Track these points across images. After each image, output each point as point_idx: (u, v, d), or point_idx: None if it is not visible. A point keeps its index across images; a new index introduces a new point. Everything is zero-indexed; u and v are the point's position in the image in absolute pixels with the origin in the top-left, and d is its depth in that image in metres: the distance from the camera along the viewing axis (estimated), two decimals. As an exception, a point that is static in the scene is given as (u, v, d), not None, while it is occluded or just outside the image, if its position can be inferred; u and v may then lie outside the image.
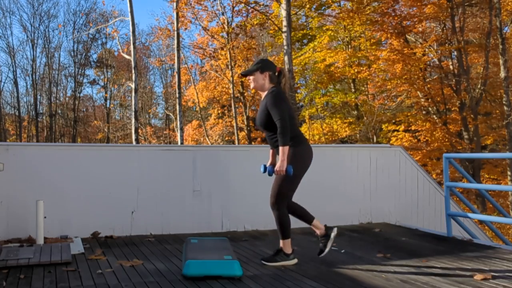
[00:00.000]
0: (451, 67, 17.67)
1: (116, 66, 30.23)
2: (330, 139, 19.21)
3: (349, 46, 19.65)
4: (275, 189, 3.58)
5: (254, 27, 19.77)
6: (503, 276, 3.35)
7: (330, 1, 18.33)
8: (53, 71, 29.20)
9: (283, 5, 13.21)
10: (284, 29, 13.16)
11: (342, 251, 4.22)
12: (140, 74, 28.46)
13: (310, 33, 20.43)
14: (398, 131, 17.18)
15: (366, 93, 18.94)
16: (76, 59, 30.08)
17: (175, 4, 16.49)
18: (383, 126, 18.06)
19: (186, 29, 18.10)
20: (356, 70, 17.36)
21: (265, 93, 3.68)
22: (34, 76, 28.76)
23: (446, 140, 16.26)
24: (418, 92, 17.50)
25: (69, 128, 29.80)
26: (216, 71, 20.90)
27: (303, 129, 19.68)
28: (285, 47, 13.14)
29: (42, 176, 4.65)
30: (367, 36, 18.39)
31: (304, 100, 20.78)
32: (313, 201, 5.58)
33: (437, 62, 17.82)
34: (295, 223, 5.51)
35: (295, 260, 3.70)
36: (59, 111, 29.80)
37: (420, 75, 16.95)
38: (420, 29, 17.65)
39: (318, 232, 3.78)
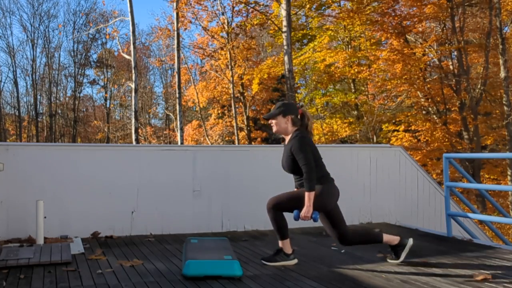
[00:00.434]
0: (451, 67, 17.66)
1: (116, 66, 30.25)
2: (330, 139, 19.21)
3: (349, 46, 19.64)
4: (280, 201, 3.61)
5: (254, 27, 19.77)
6: (503, 276, 3.35)
7: (330, 1, 18.32)
8: (53, 71, 29.23)
9: (283, 5, 13.22)
10: (284, 29, 13.16)
11: (342, 251, 4.22)
12: (140, 74, 28.46)
13: (310, 33, 20.43)
14: (398, 131, 17.17)
15: (366, 93, 18.94)
16: (76, 59, 30.12)
17: (175, 4, 16.49)
18: (383, 126, 18.06)
19: (186, 29, 18.11)
20: (356, 70, 17.36)
21: (289, 137, 3.66)
22: (34, 76, 28.80)
23: (446, 140, 16.26)
24: (418, 92, 17.50)
25: (69, 128, 29.81)
26: (216, 71, 20.90)
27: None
28: (285, 47, 13.14)
29: (42, 176, 4.65)
30: (367, 36, 18.39)
31: (304, 100, 20.78)
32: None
33: (437, 62, 17.82)
34: (296, 223, 5.52)
35: (295, 260, 3.70)
36: (59, 111, 29.82)
37: (420, 75, 16.95)
38: (420, 29, 17.64)
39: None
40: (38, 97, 29.24)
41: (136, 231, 4.92)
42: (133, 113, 15.26)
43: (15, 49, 28.71)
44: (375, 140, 17.80)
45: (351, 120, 19.27)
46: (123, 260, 3.73)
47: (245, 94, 21.56)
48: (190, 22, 18.10)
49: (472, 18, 17.62)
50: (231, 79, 19.19)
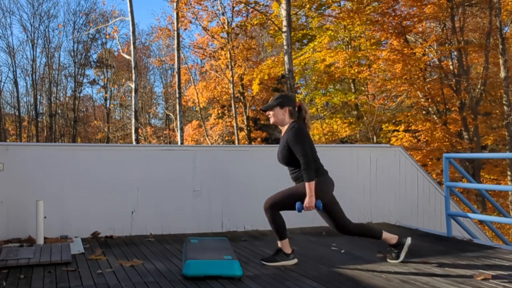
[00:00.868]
0: (451, 67, 17.66)
1: (116, 66, 30.25)
2: (330, 139, 19.21)
3: (349, 46, 19.65)
4: (277, 200, 3.62)
5: (254, 27, 19.77)
6: (503, 276, 3.35)
7: (330, 1, 18.32)
8: (53, 71, 29.23)
9: (283, 5, 13.22)
10: (284, 29, 13.16)
11: (342, 251, 4.22)
12: (140, 74, 28.46)
13: (310, 33, 20.43)
14: (398, 131, 17.17)
15: (366, 93, 18.94)
16: (76, 59, 30.12)
17: (175, 4, 16.49)
18: (383, 126, 18.06)
19: (186, 29, 18.10)
20: (356, 70, 17.36)
21: (285, 128, 3.67)
22: (34, 76, 28.80)
23: (446, 140, 16.26)
24: (418, 92, 17.50)
25: (69, 128, 29.81)
26: (216, 71, 20.91)
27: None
28: (285, 47, 13.14)
29: (42, 176, 4.65)
30: (367, 36, 18.39)
31: (304, 100, 20.78)
32: (313, 201, 5.60)
33: (437, 62, 17.82)
34: (295, 223, 5.51)
35: (295, 260, 3.70)
36: (59, 111, 29.82)
37: (420, 75, 16.95)
38: (420, 29, 17.65)
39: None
40: (38, 97, 29.25)
41: (136, 231, 4.92)
42: (133, 113, 15.27)
43: (15, 49, 28.75)
44: (375, 140, 17.80)
45: (351, 120, 19.28)
46: (123, 260, 3.73)
47: (245, 94, 21.57)
48: (190, 22, 18.12)
49: (472, 18, 17.62)
50: (231, 79, 19.19)
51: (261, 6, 18.22)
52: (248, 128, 21.85)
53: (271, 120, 3.74)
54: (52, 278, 3.20)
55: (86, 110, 32.19)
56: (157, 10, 48.14)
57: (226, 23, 18.62)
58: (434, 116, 17.69)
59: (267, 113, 3.75)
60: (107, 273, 3.34)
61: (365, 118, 18.07)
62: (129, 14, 14.79)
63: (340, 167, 5.85)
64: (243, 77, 20.50)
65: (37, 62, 28.92)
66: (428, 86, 17.18)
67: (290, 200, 3.57)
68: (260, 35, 22.80)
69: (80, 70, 30.32)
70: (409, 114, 17.69)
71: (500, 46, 15.68)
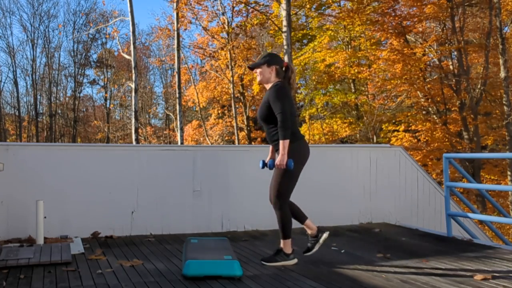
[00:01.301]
0: (451, 67, 17.66)
1: (116, 66, 30.25)
2: (330, 139, 19.21)
3: (349, 46, 19.65)
4: (275, 187, 3.58)
5: (254, 27, 19.77)
6: (503, 276, 3.35)
7: (330, 1, 18.33)
8: (53, 71, 29.23)
9: (283, 5, 13.21)
10: (284, 29, 13.16)
11: (342, 251, 4.22)
12: (140, 74, 28.46)
13: (310, 33, 20.43)
14: (398, 131, 17.17)
15: (366, 93, 18.94)
16: (76, 59, 30.12)
17: (175, 4, 16.50)
18: (383, 126, 18.06)
19: (186, 29, 18.10)
20: (356, 70, 17.36)
21: (269, 86, 3.69)
22: (34, 76, 28.80)
23: (446, 140, 16.26)
24: (418, 92, 17.50)
25: (69, 128, 29.81)
26: (216, 71, 20.90)
27: (303, 129, 19.68)
28: (285, 47, 13.13)
29: (42, 176, 4.65)
30: (367, 36, 18.39)
31: (304, 100, 20.78)
32: (313, 201, 5.59)
33: (437, 62, 17.82)
34: (296, 223, 5.49)
35: (295, 260, 3.70)
36: (59, 111, 29.82)
37: (420, 75, 16.95)
38: (420, 29, 17.65)
39: (309, 231, 3.82)
40: (38, 97, 29.25)
41: (136, 231, 4.92)
42: (133, 113, 15.27)
43: (15, 49, 28.74)
44: (375, 140, 17.80)
45: (351, 120, 19.28)
46: (123, 260, 3.73)
47: (245, 94, 21.56)
48: (190, 22, 18.11)
49: (472, 18, 17.62)
50: (231, 79, 19.19)
51: (261, 6, 18.23)
52: (248, 128, 21.84)
53: (258, 78, 3.76)
54: (52, 278, 3.20)
55: (86, 110, 32.19)
56: (157, 10, 48.07)
57: (226, 23, 18.62)
58: (434, 116, 17.69)
59: (254, 71, 3.77)
60: (107, 273, 3.34)
61: (365, 118, 18.07)
62: (129, 14, 14.80)
63: (340, 167, 5.86)
64: (243, 77, 20.50)
65: (37, 62, 28.95)
66: (428, 86, 17.18)
67: (289, 176, 3.54)
68: (260, 35, 22.79)
69: (80, 70, 30.34)
70: (409, 114, 17.69)
71: (500, 46, 15.68)
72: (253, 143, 21.77)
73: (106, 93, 31.09)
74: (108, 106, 31.38)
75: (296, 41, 21.30)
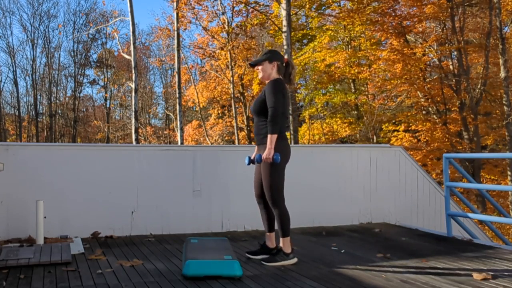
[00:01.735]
0: (451, 67, 17.66)
1: (116, 66, 30.25)
2: (330, 139, 19.21)
3: (349, 46, 19.65)
4: (268, 185, 3.58)
5: (254, 27, 19.77)
6: (503, 276, 3.35)
7: (330, 1, 18.33)
8: (53, 71, 29.23)
9: (283, 5, 13.21)
10: (284, 29, 13.15)
11: (342, 251, 4.22)
12: (140, 74, 28.46)
13: (310, 33, 20.43)
14: (398, 131, 17.18)
15: (366, 93, 18.94)
16: (76, 59, 30.12)
17: (175, 4, 16.50)
18: (383, 126, 18.07)
19: (186, 29, 18.09)
20: (356, 70, 17.36)
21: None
22: (34, 76, 28.80)
23: (446, 140, 16.26)
24: (418, 92, 17.50)
25: (69, 128, 29.81)
26: (216, 71, 20.90)
27: (303, 129, 19.70)
28: (285, 47, 13.13)
29: (42, 176, 4.65)
30: (367, 36, 18.39)
31: (304, 100, 20.78)
32: (313, 201, 5.61)
33: (437, 62, 17.82)
34: (296, 223, 5.50)
35: (295, 259, 3.70)
36: (59, 111, 29.82)
37: (420, 75, 16.95)
38: (420, 29, 17.64)
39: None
40: (38, 97, 29.25)
41: (136, 231, 4.92)
42: (133, 113, 15.27)
43: (15, 49, 28.74)
44: (375, 140, 17.80)
45: (351, 120, 19.28)
46: (123, 260, 3.73)
47: (245, 94, 21.56)
48: (190, 22, 18.10)
49: (472, 18, 17.62)
50: (231, 79, 19.19)
51: (261, 6, 18.23)
52: (248, 128, 21.84)
53: (259, 75, 3.77)
54: (52, 278, 3.20)
55: (86, 110, 32.18)
56: (157, 10, 48.04)
57: (226, 23, 18.62)
58: (434, 116, 17.69)
59: (255, 68, 3.77)
60: (107, 273, 3.34)
61: (365, 118, 18.07)
62: (129, 14, 14.80)
63: (340, 167, 5.86)
64: (243, 77, 20.50)
65: (37, 62, 28.95)
66: (428, 86, 17.18)
67: (279, 172, 3.56)
68: (260, 35, 22.79)
69: (80, 70, 30.34)
70: (409, 114, 17.69)
71: (500, 46, 15.68)
72: (253, 143, 21.75)
73: (106, 93, 31.10)
74: (108, 106, 31.39)
75: (296, 41, 21.30)
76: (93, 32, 28.96)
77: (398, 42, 17.06)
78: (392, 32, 17.04)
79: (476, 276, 3.32)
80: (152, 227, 4.97)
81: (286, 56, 12.76)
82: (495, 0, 15.73)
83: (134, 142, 15.17)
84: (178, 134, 17.14)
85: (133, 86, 15.01)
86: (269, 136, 3.48)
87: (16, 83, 28.62)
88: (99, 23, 27.41)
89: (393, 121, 18.16)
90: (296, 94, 18.47)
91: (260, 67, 3.72)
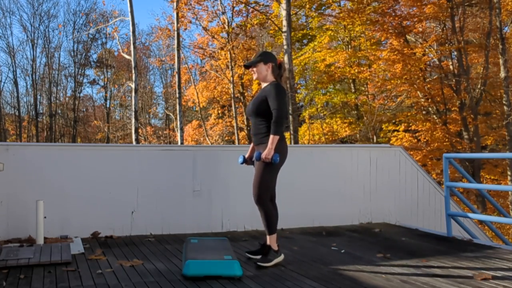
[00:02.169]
0: (451, 67, 17.66)
1: (116, 66, 30.24)
2: (330, 139, 19.21)
3: (349, 46, 19.64)
4: (258, 182, 3.59)
5: (254, 27, 19.77)
6: (503, 276, 3.35)
7: (330, 1, 18.33)
8: (53, 71, 29.23)
9: (283, 5, 13.21)
10: (284, 29, 13.15)
11: (342, 251, 4.22)
12: (140, 74, 28.46)
13: (310, 33, 20.43)
14: (398, 131, 17.18)
15: (366, 93, 18.94)
16: (76, 59, 30.11)
17: (175, 4, 16.49)
18: (383, 126, 18.06)
19: (186, 29, 18.09)
20: (356, 70, 17.36)
21: (266, 84, 3.75)
22: (34, 76, 28.79)
23: (446, 140, 16.26)
24: (418, 92, 17.50)
25: (69, 128, 29.80)
26: (216, 71, 20.90)
27: (303, 129, 19.69)
28: (285, 47, 13.13)
29: (42, 176, 4.64)
30: (367, 36, 18.39)
31: (304, 100, 20.78)
32: (313, 201, 5.61)
33: (437, 62, 17.82)
34: (296, 223, 5.50)
35: (282, 256, 3.73)
36: (59, 111, 29.81)
37: (420, 75, 16.95)
38: (420, 29, 17.64)
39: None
40: (38, 97, 29.24)
41: (136, 231, 4.92)
42: (133, 113, 15.26)
43: (15, 49, 28.73)
44: (375, 140, 17.80)
45: (351, 120, 19.28)
46: (123, 260, 3.73)
47: (245, 94, 21.56)
48: (190, 22, 18.08)
49: (472, 18, 17.61)
50: (231, 79, 19.19)
51: (261, 6, 18.23)
52: (248, 128, 21.81)
53: (254, 77, 3.82)
54: (52, 278, 3.20)
55: (86, 110, 32.17)
56: (157, 10, 48.00)
57: (226, 23, 18.62)
58: (434, 116, 17.69)
59: (250, 69, 3.83)
60: (107, 273, 3.34)
61: (365, 118, 18.07)
62: (129, 14, 14.79)
63: (340, 167, 5.86)
64: (243, 77, 20.50)
65: (37, 62, 28.93)
66: (428, 86, 17.18)
67: (272, 173, 3.60)
68: (260, 35, 22.79)
69: (80, 70, 30.32)
70: (409, 114, 17.69)
71: (500, 46, 15.68)
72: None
73: (106, 93, 31.09)
74: (108, 106, 31.39)
75: (296, 41, 21.30)
76: (93, 32, 28.97)
77: (398, 42, 17.06)
78: (392, 32, 17.05)
79: (476, 276, 3.32)
80: (152, 227, 4.97)
81: (286, 57, 12.83)
82: (495, 0, 15.73)
83: (134, 142, 15.17)
84: (178, 134, 17.14)
85: (133, 86, 15.01)
86: (272, 136, 3.53)
87: (16, 83, 28.64)
88: (99, 23, 27.38)
89: (393, 121, 18.16)
90: (296, 94, 18.46)
91: (255, 69, 3.78)
